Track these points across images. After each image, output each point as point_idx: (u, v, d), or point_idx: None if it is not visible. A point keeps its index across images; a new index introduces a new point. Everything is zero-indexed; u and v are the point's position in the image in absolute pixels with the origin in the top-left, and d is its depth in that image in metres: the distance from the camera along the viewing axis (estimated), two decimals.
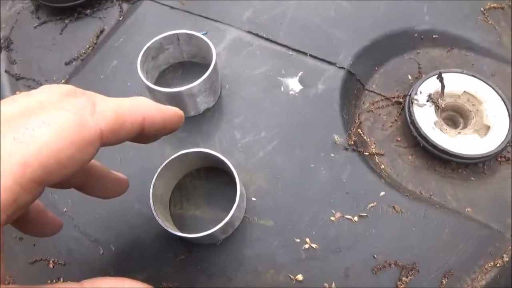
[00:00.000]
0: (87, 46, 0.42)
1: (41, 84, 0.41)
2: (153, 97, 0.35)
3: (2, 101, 0.18)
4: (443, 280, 0.31)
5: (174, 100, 0.33)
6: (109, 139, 0.19)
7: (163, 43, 0.35)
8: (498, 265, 0.32)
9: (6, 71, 0.42)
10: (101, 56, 0.40)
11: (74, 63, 0.42)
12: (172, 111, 0.23)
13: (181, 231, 0.31)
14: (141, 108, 0.21)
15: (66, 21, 0.44)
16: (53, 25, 0.45)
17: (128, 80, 0.38)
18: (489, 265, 0.32)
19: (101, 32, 0.43)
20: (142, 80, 0.33)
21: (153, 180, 0.30)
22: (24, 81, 0.41)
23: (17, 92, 0.40)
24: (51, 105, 0.18)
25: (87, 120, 0.18)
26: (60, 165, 0.17)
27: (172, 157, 0.31)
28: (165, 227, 0.29)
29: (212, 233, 0.28)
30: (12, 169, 0.16)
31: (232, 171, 0.30)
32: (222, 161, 0.30)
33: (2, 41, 0.44)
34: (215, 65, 0.33)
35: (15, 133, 0.17)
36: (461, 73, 0.38)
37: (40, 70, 0.42)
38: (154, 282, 0.30)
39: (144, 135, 0.22)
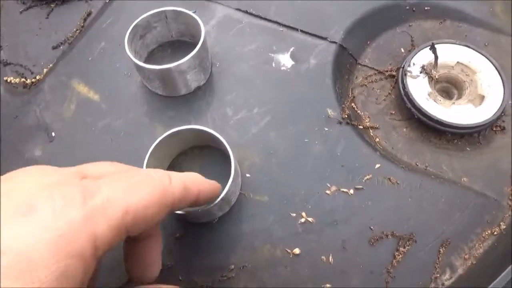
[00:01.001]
0: (75, 29, 0.42)
1: (29, 70, 0.40)
2: (142, 76, 0.35)
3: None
4: (441, 250, 0.31)
5: (164, 77, 0.33)
6: (177, 206, 0.23)
7: (150, 21, 0.35)
8: (495, 233, 0.31)
9: None
10: (89, 39, 0.40)
11: (61, 47, 0.41)
12: (217, 185, 0.28)
13: None
14: (197, 182, 0.25)
15: (52, 5, 0.44)
16: (39, 9, 0.44)
17: (117, 61, 0.38)
18: (486, 233, 0.32)
19: (88, 15, 0.43)
20: (131, 60, 0.33)
21: (146, 159, 0.30)
22: (11, 66, 0.41)
23: (4, 78, 0.40)
24: (144, 171, 0.23)
25: (167, 188, 0.22)
26: (145, 220, 0.20)
27: (164, 135, 0.30)
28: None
29: (209, 209, 0.28)
30: (118, 213, 0.19)
31: (225, 146, 0.29)
32: (215, 138, 0.30)
33: None
34: (204, 41, 0.33)
35: (124, 183, 0.20)
36: (454, 43, 0.38)
37: (27, 55, 0.41)
38: None
39: (196, 203, 0.25)
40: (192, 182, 0.24)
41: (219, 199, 0.28)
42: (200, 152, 0.34)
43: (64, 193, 0.19)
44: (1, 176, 0.20)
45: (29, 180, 0.19)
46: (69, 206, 0.18)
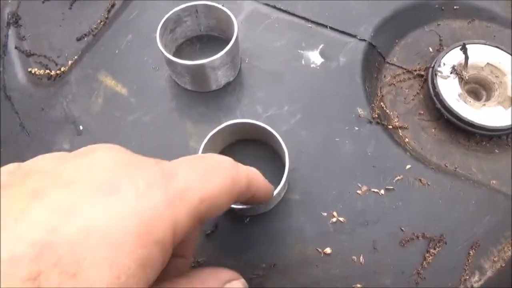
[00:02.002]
0: (99, 21, 0.41)
1: (53, 61, 0.40)
2: (172, 71, 0.34)
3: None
4: (471, 252, 0.31)
5: (195, 73, 0.33)
6: (239, 198, 0.22)
7: (181, 15, 0.34)
8: None
9: (16, 48, 0.40)
10: (115, 31, 0.39)
11: (86, 39, 0.40)
12: (271, 186, 0.27)
13: None
14: (258, 179, 0.24)
15: None
16: (61, 0, 0.43)
17: (144, 55, 0.37)
18: None
19: (112, 6, 0.42)
20: (161, 54, 0.32)
21: (200, 150, 0.29)
22: (35, 57, 0.40)
23: (28, 69, 0.39)
24: (215, 157, 0.22)
25: (236, 178, 0.21)
26: (216, 209, 0.20)
27: (221, 126, 0.30)
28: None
29: (255, 207, 0.28)
30: (195, 200, 0.18)
31: (280, 143, 0.29)
32: (270, 133, 0.29)
33: (9, 16, 0.42)
34: (237, 36, 0.32)
35: (199, 168, 0.19)
36: (485, 44, 0.37)
37: (51, 46, 0.41)
38: None
39: (250, 200, 0.25)
40: (254, 177, 0.23)
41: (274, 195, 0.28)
42: (248, 147, 0.34)
43: (146, 175, 0.17)
44: (78, 150, 0.19)
45: (109, 157, 0.18)
46: (152, 189, 0.17)
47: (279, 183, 0.29)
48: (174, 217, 0.17)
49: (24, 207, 0.15)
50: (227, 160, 0.21)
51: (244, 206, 0.28)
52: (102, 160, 0.18)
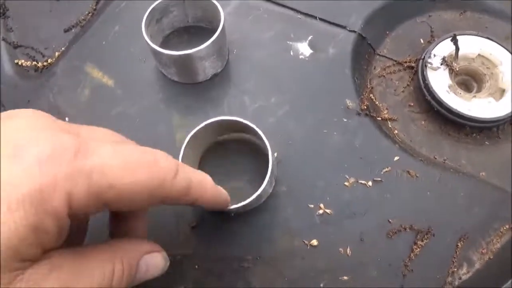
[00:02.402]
0: (87, 12, 0.41)
1: (40, 53, 0.39)
2: (159, 62, 0.34)
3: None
4: (459, 244, 0.30)
5: (181, 64, 0.32)
6: (171, 201, 0.22)
7: (168, 5, 0.34)
8: None
9: (3, 39, 0.40)
10: (102, 22, 0.39)
11: (73, 30, 0.40)
12: (224, 196, 0.26)
13: None
14: (202, 187, 0.23)
15: None
16: None
17: (131, 46, 0.37)
18: (504, 228, 0.31)
19: None
20: (147, 44, 0.32)
21: (182, 149, 0.29)
22: (22, 49, 0.40)
23: (15, 61, 0.39)
24: (154, 155, 0.21)
25: (168, 182, 0.21)
26: (129, 202, 0.20)
27: (202, 125, 0.29)
28: None
29: (247, 203, 0.28)
30: (102, 184, 0.18)
31: (264, 141, 0.29)
32: (254, 130, 0.29)
33: None
34: (223, 26, 0.32)
35: (124, 159, 0.19)
36: (476, 35, 0.37)
37: (39, 37, 0.40)
38: (167, 250, 0.30)
39: (192, 205, 0.24)
40: (198, 184, 0.23)
41: (253, 197, 0.28)
42: (234, 142, 0.33)
43: (56, 144, 0.18)
44: (4, 113, 0.19)
45: (26, 121, 0.19)
46: (55, 159, 0.17)
47: (263, 180, 0.28)
48: (70, 190, 0.18)
49: None
50: (166, 161, 0.21)
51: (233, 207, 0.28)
52: (17, 124, 0.19)
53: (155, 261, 0.23)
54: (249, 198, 0.28)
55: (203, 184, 0.24)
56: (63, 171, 0.17)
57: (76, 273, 0.19)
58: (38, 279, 0.18)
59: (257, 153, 0.32)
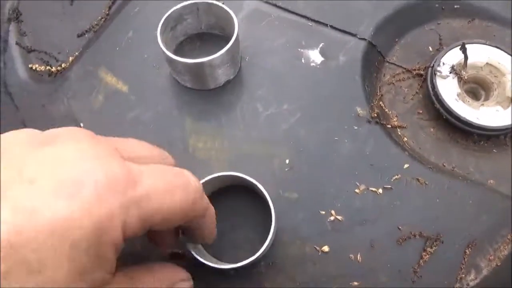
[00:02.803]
0: (99, 17, 0.41)
1: (54, 57, 0.40)
2: (173, 69, 0.34)
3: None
4: (467, 250, 0.31)
5: (195, 71, 0.33)
6: (190, 223, 0.23)
7: (182, 13, 0.34)
8: None
9: (17, 43, 0.40)
10: (116, 28, 0.39)
11: (86, 35, 0.41)
12: (215, 232, 0.28)
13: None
14: (212, 215, 0.26)
15: None
16: None
17: (145, 52, 0.37)
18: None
19: (113, 3, 0.42)
20: (161, 51, 0.32)
21: None
22: (36, 53, 0.40)
23: (29, 65, 0.39)
24: (187, 175, 0.22)
25: (197, 202, 0.22)
26: (168, 223, 0.21)
27: (204, 180, 0.29)
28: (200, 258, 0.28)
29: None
30: (151, 210, 0.19)
31: (266, 198, 0.29)
32: (258, 189, 0.29)
33: (10, 12, 0.42)
34: (237, 35, 0.32)
35: (165, 181, 0.20)
36: (484, 44, 0.37)
37: (52, 42, 0.41)
38: (185, 256, 0.31)
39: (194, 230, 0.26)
40: (210, 212, 0.25)
41: (258, 254, 0.28)
42: (236, 193, 0.33)
43: (108, 173, 0.18)
44: (45, 134, 0.20)
45: (73, 149, 0.19)
46: (111, 191, 0.18)
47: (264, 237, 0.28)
48: (124, 220, 0.18)
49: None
50: (195, 181, 0.22)
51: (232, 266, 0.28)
52: (66, 152, 0.19)
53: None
54: (248, 258, 0.28)
55: (213, 213, 0.26)
56: (118, 202, 0.18)
57: None
58: None
59: (262, 208, 0.31)
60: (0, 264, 0.15)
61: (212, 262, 0.28)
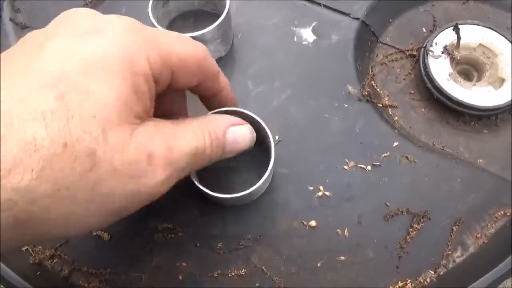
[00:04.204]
0: None
1: None
2: None
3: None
4: (454, 228, 0.31)
5: None
6: (208, 82, 0.26)
7: None
8: (508, 213, 0.32)
9: (11, 20, 0.40)
10: (109, 5, 0.39)
11: None
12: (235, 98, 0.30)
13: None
14: (226, 81, 0.29)
15: None
16: None
17: None
18: (499, 214, 0.32)
19: None
20: (154, 26, 0.32)
21: None
22: (29, 30, 0.40)
23: None
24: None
25: (208, 56, 0.25)
26: (184, 69, 0.23)
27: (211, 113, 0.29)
28: (205, 190, 0.28)
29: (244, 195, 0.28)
30: (166, 49, 0.22)
31: (267, 133, 0.29)
32: (257, 122, 0.29)
33: None
34: (228, 10, 0.32)
35: (176, 35, 0.24)
36: (478, 25, 0.37)
37: (46, 19, 0.40)
38: (174, 229, 0.31)
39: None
40: (222, 74, 0.27)
41: (257, 185, 0.28)
42: None
43: (123, 20, 0.21)
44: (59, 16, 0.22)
45: (83, 11, 0.22)
46: (130, 29, 0.21)
47: (261, 176, 0.28)
48: (148, 53, 0.21)
49: (40, 46, 0.19)
50: (202, 45, 0.25)
51: (227, 196, 0.28)
52: (81, 13, 0.22)
53: (241, 132, 0.26)
54: (248, 189, 0.28)
55: (227, 80, 0.28)
56: (139, 38, 0.21)
57: (175, 134, 0.22)
58: (148, 131, 0.21)
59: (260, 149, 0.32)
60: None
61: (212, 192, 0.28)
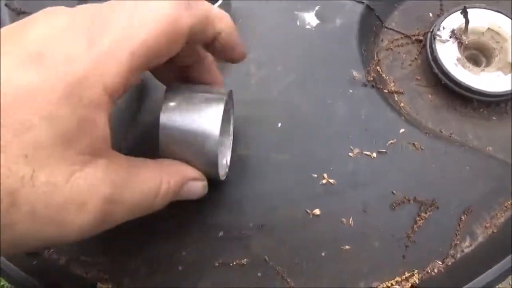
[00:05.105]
0: None
1: None
2: None
3: None
4: (462, 217, 0.30)
5: None
6: (193, 38, 0.22)
7: None
8: None
9: (6, 5, 0.39)
10: None
11: None
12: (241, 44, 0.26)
13: None
14: (225, 21, 0.24)
15: None
16: None
17: None
18: (509, 203, 0.31)
19: None
20: None
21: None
22: (26, 15, 0.39)
23: None
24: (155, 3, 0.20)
25: (179, 19, 0.20)
26: (156, 54, 0.20)
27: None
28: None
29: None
30: (124, 56, 0.19)
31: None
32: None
33: None
34: None
35: (127, 22, 0.19)
36: (486, 8, 0.36)
37: (42, 4, 0.39)
38: (174, 218, 0.30)
39: (212, 48, 0.24)
40: (217, 17, 0.23)
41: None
42: None
43: (71, 41, 0.19)
44: (16, 23, 0.20)
45: (41, 26, 0.19)
46: (76, 56, 0.18)
47: None
48: (101, 79, 0.19)
49: None
50: (165, 2, 0.20)
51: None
52: (35, 30, 0.19)
53: (196, 188, 0.26)
54: None
55: (225, 16, 0.24)
56: (86, 63, 0.19)
57: (126, 180, 0.21)
58: (92, 176, 0.19)
59: None
60: None
61: None
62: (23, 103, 0.17)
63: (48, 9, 0.21)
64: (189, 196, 0.26)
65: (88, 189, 0.19)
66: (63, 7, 0.21)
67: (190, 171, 0.25)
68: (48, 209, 0.18)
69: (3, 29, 0.20)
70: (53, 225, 0.18)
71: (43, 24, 0.20)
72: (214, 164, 0.26)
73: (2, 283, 0.78)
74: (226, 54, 0.25)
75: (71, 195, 0.18)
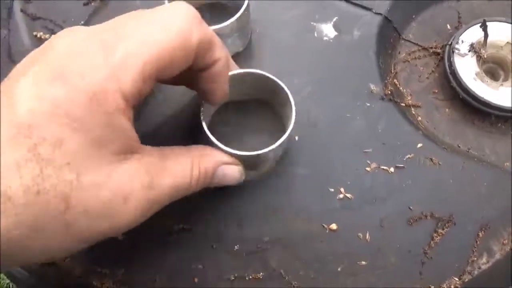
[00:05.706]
0: None
1: (59, 25, 0.39)
2: None
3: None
4: (480, 233, 0.30)
5: None
6: (197, 55, 0.23)
7: None
8: None
9: (21, 11, 0.39)
10: None
11: (93, 3, 0.39)
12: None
13: None
14: (224, 50, 0.25)
15: None
16: None
17: None
18: None
19: None
20: None
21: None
22: (41, 21, 0.39)
23: (34, 33, 0.38)
24: (161, 16, 0.22)
25: (194, 31, 0.22)
26: (169, 65, 0.21)
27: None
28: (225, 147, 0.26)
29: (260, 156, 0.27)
30: (138, 67, 0.20)
31: (287, 94, 0.28)
32: (278, 85, 0.28)
33: None
34: (247, 4, 0.31)
35: (140, 35, 0.21)
36: (506, 22, 0.36)
37: (58, 10, 0.39)
38: (184, 224, 0.30)
39: (205, 77, 0.25)
40: (220, 44, 0.24)
41: (277, 144, 0.27)
42: (252, 105, 0.33)
43: (87, 55, 0.20)
44: (41, 46, 0.21)
45: (61, 44, 0.21)
46: (92, 69, 0.20)
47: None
48: (119, 87, 0.20)
49: (11, 89, 0.19)
50: (179, 16, 0.22)
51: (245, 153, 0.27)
52: (55, 51, 0.20)
53: (232, 172, 0.27)
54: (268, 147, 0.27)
55: (222, 44, 0.25)
56: (103, 75, 0.20)
57: (160, 170, 0.22)
58: (128, 170, 0.21)
59: (274, 118, 0.32)
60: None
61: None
62: (54, 118, 0.19)
63: (67, 28, 0.22)
64: (226, 180, 0.27)
65: (129, 180, 0.21)
66: (80, 26, 0.22)
67: (222, 156, 0.26)
68: (99, 205, 0.20)
69: (30, 53, 0.21)
70: (106, 219, 0.20)
71: (62, 41, 0.21)
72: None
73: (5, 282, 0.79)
74: (216, 87, 0.26)
75: (115, 189, 0.20)
